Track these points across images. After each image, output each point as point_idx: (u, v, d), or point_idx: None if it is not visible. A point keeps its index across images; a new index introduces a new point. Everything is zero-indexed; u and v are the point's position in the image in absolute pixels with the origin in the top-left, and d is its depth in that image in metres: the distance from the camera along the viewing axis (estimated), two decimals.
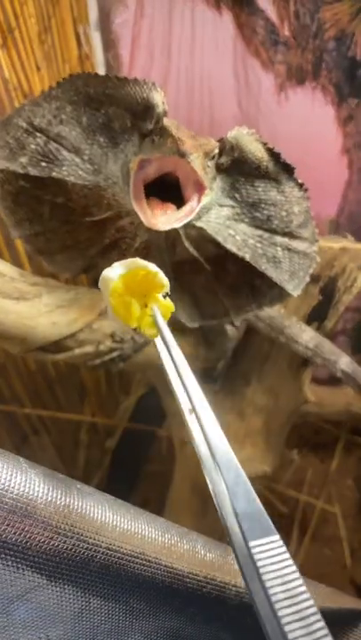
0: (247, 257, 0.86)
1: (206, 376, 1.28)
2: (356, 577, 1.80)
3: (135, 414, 2.13)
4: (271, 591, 0.34)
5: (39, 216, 0.83)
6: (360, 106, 1.60)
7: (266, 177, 0.85)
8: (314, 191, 1.79)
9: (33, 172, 0.78)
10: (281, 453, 1.34)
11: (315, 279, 1.10)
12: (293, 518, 1.90)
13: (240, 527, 0.37)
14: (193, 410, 0.44)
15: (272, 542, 0.37)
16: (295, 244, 0.89)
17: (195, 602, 0.58)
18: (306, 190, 0.88)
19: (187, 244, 0.83)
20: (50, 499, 0.46)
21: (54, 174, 0.78)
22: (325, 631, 0.33)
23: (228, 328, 1.18)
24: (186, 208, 0.72)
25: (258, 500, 0.39)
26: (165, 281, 0.53)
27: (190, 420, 0.44)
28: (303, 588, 0.34)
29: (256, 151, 0.83)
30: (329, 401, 2.05)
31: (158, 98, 0.75)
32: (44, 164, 0.79)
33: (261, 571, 0.35)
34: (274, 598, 0.34)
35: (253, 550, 0.36)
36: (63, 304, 0.87)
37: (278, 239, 0.88)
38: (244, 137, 0.81)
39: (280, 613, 0.33)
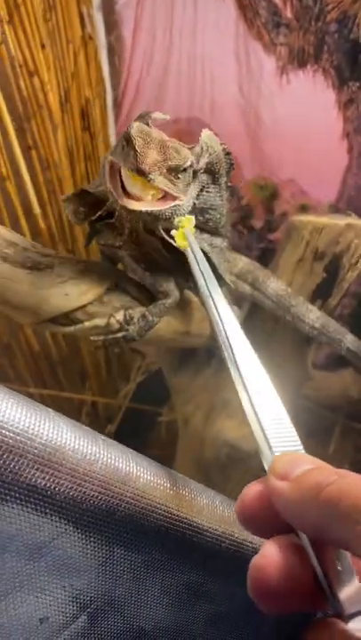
0: (206, 249, 0.90)
1: (209, 352, 1.29)
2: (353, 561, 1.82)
3: (134, 401, 2.14)
4: None
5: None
6: None
7: (217, 181, 0.89)
8: (314, 176, 1.81)
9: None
10: None
11: (320, 256, 1.11)
12: None
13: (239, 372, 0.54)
14: (210, 296, 0.60)
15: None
16: (215, 240, 0.96)
17: (213, 557, 0.60)
18: (233, 192, 0.95)
19: (162, 233, 0.85)
20: (77, 446, 0.47)
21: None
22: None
23: (234, 308, 1.19)
24: (155, 204, 0.76)
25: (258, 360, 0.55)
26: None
27: (208, 303, 0.60)
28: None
29: (219, 152, 0.86)
30: (325, 386, 2.06)
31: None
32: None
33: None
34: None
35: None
36: (75, 275, 0.87)
37: (205, 236, 0.93)
38: (213, 138, 0.85)
39: None
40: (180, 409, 1.34)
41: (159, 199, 0.76)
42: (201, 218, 0.90)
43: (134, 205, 0.74)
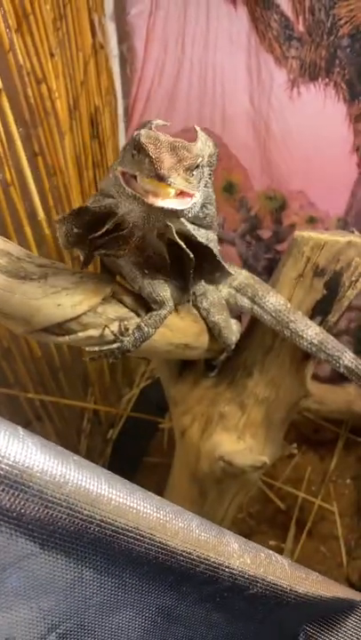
0: (211, 246, 0.92)
1: (206, 365, 1.29)
2: (352, 575, 1.80)
3: (137, 407, 2.14)
4: None
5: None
6: None
7: (211, 175, 0.90)
8: (323, 188, 1.80)
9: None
10: (280, 446, 1.34)
11: (320, 273, 1.10)
12: (291, 515, 1.90)
13: None
14: None
15: None
16: (210, 234, 0.95)
17: (187, 580, 0.59)
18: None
19: (175, 237, 0.87)
20: (46, 468, 0.47)
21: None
22: None
23: (233, 322, 1.19)
24: (177, 200, 0.76)
25: None
26: None
27: None
28: None
29: (213, 145, 0.88)
30: (330, 399, 2.05)
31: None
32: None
33: None
34: None
35: None
36: (69, 286, 0.87)
37: (202, 232, 0.93)
38: (203, 133, 0.86)
39: None
40: (176, 420, 1.33)
41: (177, 197, 0.76)
42: (201, 214, 0.90)
43: (158, 202, 0.74)
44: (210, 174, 0.89)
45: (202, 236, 0.92)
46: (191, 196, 0.78)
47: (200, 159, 0.77)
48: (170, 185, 0.72)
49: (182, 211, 0.78)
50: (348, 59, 1.52)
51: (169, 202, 0.75)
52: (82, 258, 0.93)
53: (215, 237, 0.98)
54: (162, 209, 0.75)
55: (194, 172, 0.77)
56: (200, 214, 0.90)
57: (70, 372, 1.74)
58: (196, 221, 0.91)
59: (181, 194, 0.76)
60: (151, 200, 0.74)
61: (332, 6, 1.44)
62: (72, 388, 1.78)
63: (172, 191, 0.74)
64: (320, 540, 1.89)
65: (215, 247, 0.96)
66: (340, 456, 2.10)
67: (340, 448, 2.11)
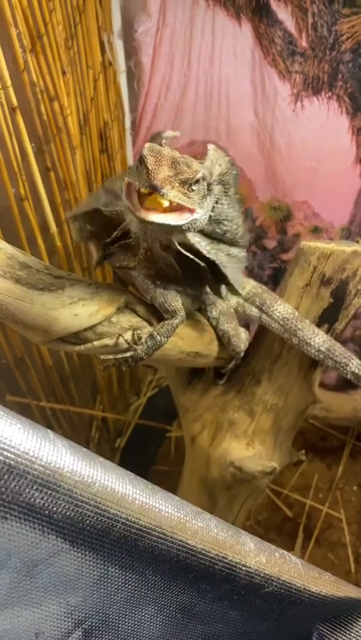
0: (217, 261, 0.94)
1: (215, 373, 1.31)
2: (360, 583, 1.81)
3: (145, 415, 2.17)
4: None
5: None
6: None
7: (227, 192, 0.93)
8: (327, 199, 1.83)
9: (86, 210, 0.93)
10: (289, 453, 1.37)
11: (326, 282, 1.13)
12: (299, 522, 1.92)
13: None
14: None
15: None
16: (233, 250, 0.99)
17: (206, 578, 0.61)
18: (247, 214, 0.98)
19: (180, 249, 0.89)
20: (75, 468, 0.50)
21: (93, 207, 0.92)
22: None
23: (242, 330, 1.21)
24: (173, 216, 0.78)
25: None
26: None
27: None
28: None
29: (226, 163, 0.91)
30: (336, 406, 2.07)
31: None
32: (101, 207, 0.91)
33: None
34: None
35: None
36: (85, 297, 0.90)
37: (222, 246, 0.96)
38: (218, 151, 0.90)
39: None
40: (186, 427, 1.36)
41: (175, 211, 0.79)
42: (218, 230, 0.93)
43: (150, 217, 0.76)
44: (225, 192, 0.91)
45: (222, 250, 0.95)
46: (191, 211, 0.80)
47: (200, 174, 0.80)
48: (163, 196, 0.75)
49: (180, 227, 0.81)
50: (350, 73, 1.56)
51: (162, 217, 0.77)
52: (94, 254, 0.97)
53: (240, 254, 1.01)
54: (153, 223, 0.77)
55: (194, 188, 0.79)
56: (218, 230, 0.93)
57: (80, 380, 1.77)
58: (214, 236, 0.94)
59: (179, 208, 0.79)
60: (143, 214, 0.76)
61: (334, 22, 1.48)
62: (81, 397, 1.81)
63: (165, 202, 0.76)
64: (328, 547, 1.90)
65: (234, 263, 0.99)
66: (346, 463, 2.12)
67: (346, 455, 2.12)
